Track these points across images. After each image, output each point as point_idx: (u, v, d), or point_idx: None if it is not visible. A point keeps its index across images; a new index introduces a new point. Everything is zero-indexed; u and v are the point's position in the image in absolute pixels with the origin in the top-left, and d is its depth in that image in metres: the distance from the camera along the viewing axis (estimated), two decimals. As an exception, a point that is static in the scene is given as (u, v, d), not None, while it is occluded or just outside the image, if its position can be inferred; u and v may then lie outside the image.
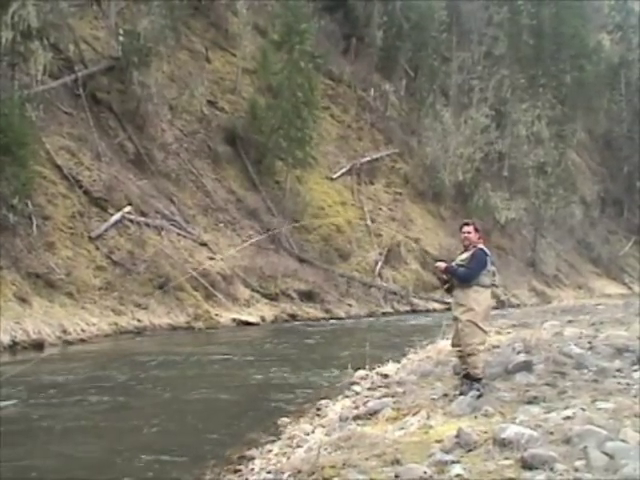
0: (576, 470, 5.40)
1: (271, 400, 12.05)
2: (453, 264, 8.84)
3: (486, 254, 8.70)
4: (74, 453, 8.98)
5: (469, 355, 8.59)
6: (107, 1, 30.41)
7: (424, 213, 40.88)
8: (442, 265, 8.95)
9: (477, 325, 8.56)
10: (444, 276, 8.95)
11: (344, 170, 37.94)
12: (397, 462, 6.10)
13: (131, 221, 24.64)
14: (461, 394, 8.50)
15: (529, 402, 7.88)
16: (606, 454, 5.57)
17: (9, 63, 22.43)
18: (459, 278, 8.72)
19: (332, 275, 30.78)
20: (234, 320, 24.40)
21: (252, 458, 8.28)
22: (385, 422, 8.17)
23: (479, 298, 8.60)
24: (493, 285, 8.80)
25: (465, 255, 8.79)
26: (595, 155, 63.95)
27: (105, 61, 28.65)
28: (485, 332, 8.83)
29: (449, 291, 8.96)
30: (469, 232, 8.88)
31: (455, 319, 8.75)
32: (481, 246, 8.76)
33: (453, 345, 8.97)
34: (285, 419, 10.08)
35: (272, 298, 27.26)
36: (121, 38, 28.49)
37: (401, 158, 42.71)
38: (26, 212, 20.98)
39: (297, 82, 31.00)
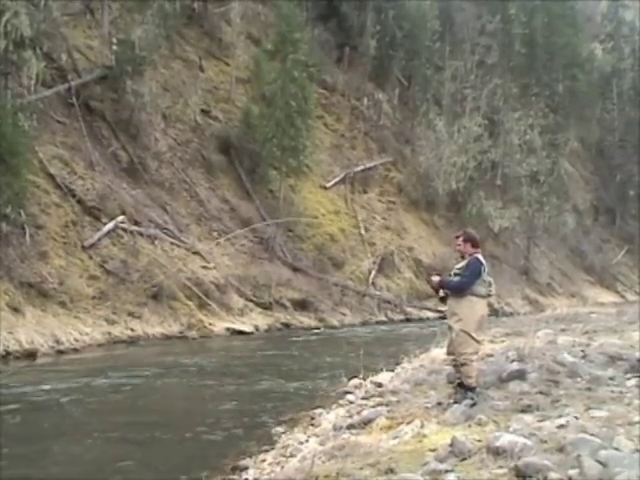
0: (570, 479, 5.40)
1: (265, 409, 12.03)
2: (451, 272, 8.86)
3: (481, 263, 8.68)
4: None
5: (462, 365, 8.59)
6: (101, 10, 30.40)
7: (418, 222, 40.91)
8: (436, 280, 8.95)
9: (470, 335, 8.55)
10: (441, 292, 8.93)
11: (338, 179, 37.96)
12: (391, 471, 6.10)
13: (124, 230, 24.58)
14: (455, 403, 8.50)
15: (523, 410, 7.89)
16: (600, 462, 5.57)
17: (2, 72, 22.35)
18: (453, 289, 8.72)
19: (326, 284, 30.74)
20: (228, 329, 24.35)
21: (246, 468, 8.27)
22: (379, 431, 8.16)
23: (474, 307, 8.59)
24: (489, 295, 8.79)
25: (461, 264, 8.80)
26: (588, 164, 64.12)
27: (98, 70, 28.60)
28: (478, 342, 8.82)
29: (443, 300, 8.95)
30: (458, 244, 8.92)
31: (449, 328, 8.75)
32: (477, 255, 8.75)
33: (448, 353, 8.97)
34: (279, 428, 10.07)
35: (266, 307, 27.21)
36: (115, 47, 28.50)
37: (395, 167, 42.76)
38: (19, 221, 20.90)
39: (291, 91, 31.01)
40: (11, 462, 8.70)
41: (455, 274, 8.79)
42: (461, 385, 8.70)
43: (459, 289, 8.63)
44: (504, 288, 38.23)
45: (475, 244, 8.87)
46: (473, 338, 8.59)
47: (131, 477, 8.47)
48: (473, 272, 8.61)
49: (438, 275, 9.12)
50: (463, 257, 8.86)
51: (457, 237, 9.06)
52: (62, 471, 8.57)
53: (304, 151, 31.97)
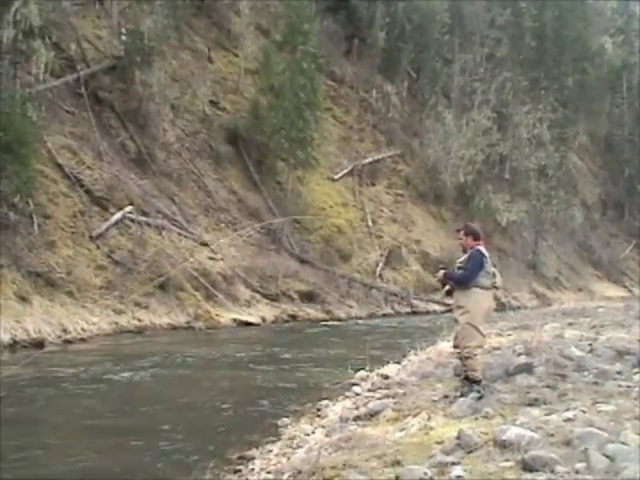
0: (577, 472, 5.39)
1: (271, 400, 12.04)
2: (455, 267, 8.85)
3: (483, 255, 8.66)
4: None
5: (466, 358, 8.56)
6: (110, 0, 30.41)
7: (425, 215, 40.86)
8: (440, 274, 8.94)
9: (475, 327, 8.53)
10: (447, 286, 8.93)
11: (345, 171, 37.94)
12: (398, 463, 6.09)
13: (132, 220, 24.64)
14: (462, 396, 8.49)
15: (530, 404, 7.87)
16: (607, 456, 5.56)
17: (11, 61, 22.40)
18: (456, 281, 8.71)
19: (333, 276, 30.75)
20: (234, 320, 24.38)
21: (252, 458, 8.28)
22: (386, 423, 8.16)
23: (479, 300, 8.57)
24: (494, 287, 8.76)
25: (463, 257, 8.79)
26: (596, 158, 63.94)
27: (107, 60, 28.65)
28: (483, 335, 8.79)
29: (450, 294, 8.94)
30: (460, 238, 8.92)
31: (456, 321, 8.74)
32: (478, 247, 8.73)
33: (454, 346, 8.96)
34: (285, 420, 10.08)
35: (273, 298, 27.23)
36: (123, 37, 28.54)
37: (402, 159, 42.70)
38: (27, 211, 20.98)
39: (299, 83, 30.99)
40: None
41: (458, 268, 8.78)
42: (467, 378, 8.68)
43: (462, 281, 8.62)
44: (511, 282, 38.20)
45: (476, 237, 8.86)
46: (479, 331, 8.57)
47: (131, 467, 8.52)
48: (475, 264, 8.59)
49: (444, 269, 9.10)
50: (465, 251, 8.86)
51: (458, 231, 9.08)
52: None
53: (312, 143, 31.96)
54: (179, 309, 23.31)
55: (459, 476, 5.59)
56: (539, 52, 51.85)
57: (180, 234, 26.31)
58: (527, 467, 5.55)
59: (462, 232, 8.92)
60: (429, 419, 7.77)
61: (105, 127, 27.26)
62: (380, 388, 10.61)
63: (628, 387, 8.46)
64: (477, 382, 8.55)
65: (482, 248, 8.74)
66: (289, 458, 7.77)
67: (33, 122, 22.09)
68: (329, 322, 27.00)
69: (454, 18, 47.47)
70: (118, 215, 24.23)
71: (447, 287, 8.94)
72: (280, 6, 37.14)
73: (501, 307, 28.66)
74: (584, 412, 7.12)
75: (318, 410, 10.46)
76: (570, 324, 15.37)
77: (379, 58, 43.86)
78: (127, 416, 11.02)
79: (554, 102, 49.48)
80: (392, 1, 44.02)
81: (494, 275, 8.74)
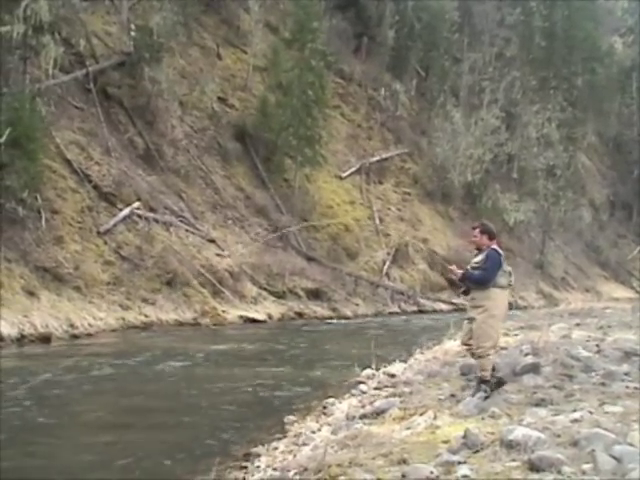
0: (583, 473, 5.38)
1: (277, 398, 12.06)
2: (468, 267, 8.75)
3: (499, 254, 8.61)
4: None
5: (479, 357, 8.52)
6: (119, -4, 30.49)
7: (433, 213, 40.81)
8: (458, 273, 8.82)
9: (494, 327, 8.49)
10: (462, 285, 8.86)
11: (353, 169, 37.90)
12: (404, 462, 6.08)
13: (140, 217, 24.66)
14: (473, 395, 8.46)
15: (536, 404, 7.85)
16: (614, 457, 5.53)
17: (20, 57, 22.48)
18: (476, 282, 8.58)
19: (340, 274, 30.74)
20: (241, 317, 24.40)
21: (258, 455, 8.29)
22: (392, 422, 8.15)
23: (497, 299, 8.51)
24: (509, 285, 8.72)
25: (479, 257, 8.67)
26: (605, 158, 63.73)
27: (116, 56, 28.68)
28: (499, 336, 8.76)
29: (466, 293, 8.85)
30: (475, 236, 8.82)
31: (471, 320, 8.63)
32: (494, 246, 8.67)
33: (463, 343, 8.93)
34: (291, 417, 10.08)
35: (279, 296, 27.24)
36: (133, 33, 28.55)
37: (410, 158, 42.65)
38: (35, 206, 21.03)
39: (308, 80, 30.98)
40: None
41: (474, 268, 8.68)
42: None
43: (483, 282, 8.49)
44: (518, 282, 37.76)
45: (492, 236, 8.77)
46: (496, 331, 8.55)
47: (136, 465, 8.53)
48: (493, 264, 8.50)
49: (460, 269, 8.98)
50: (479, 249, 8.77)
51: (474, 228, 8.96)
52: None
53: (320, 141, 31.97)
54: (186, 305, 23.34)
55: (465, 475, 5.59)
56: (548, 52, 51.72)
57: (187, 230, 26.34)
58: (534, 467, 5.53)
59: (478, 230, 8.81)
60: (435, 418, 7.76)
61: (113, 123, 27.30)
62: (386, 386, 10.61)
63: (635, 388, 8.44)
64: (485, 382, 8.53)
65: (497, 247, 8.69)
66: (295, 455, 7.77)
67: (42, 117, 22.15)
68: (335, 320, 27.01)
69: (463, 17, 47.40)
70: (126, 211, 24.28)
71: (463, 288, 8.88)
72: (289, 3, 37.11)
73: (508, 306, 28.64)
74: (591, 413, 7.11)
75: (324, 408, 10.46)
76: (577, 324, 15.35)
77: (388, 56, 43.80)
78: (134, 415, 11.05)
79: (563, 102, 49.34)
80: (401, -1, 44.07)
81: (510, 274, 8.69)
